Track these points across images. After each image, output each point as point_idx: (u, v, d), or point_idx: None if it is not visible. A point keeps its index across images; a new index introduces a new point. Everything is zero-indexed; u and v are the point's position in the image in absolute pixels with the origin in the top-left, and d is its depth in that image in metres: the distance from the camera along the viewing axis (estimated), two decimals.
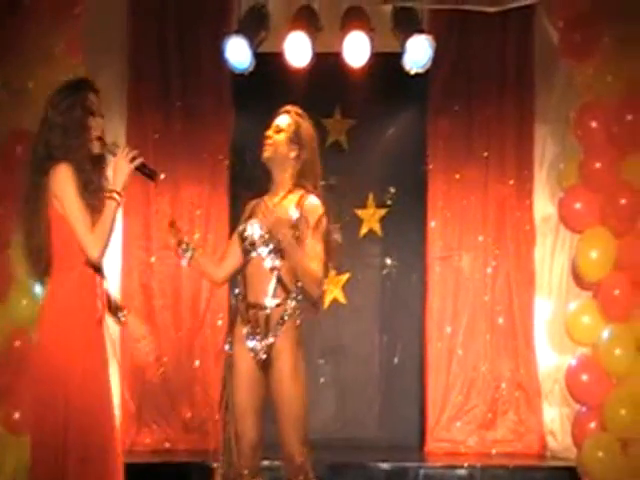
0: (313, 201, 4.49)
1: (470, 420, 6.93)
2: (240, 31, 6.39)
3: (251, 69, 6.47)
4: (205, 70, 6.87)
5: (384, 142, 7.21)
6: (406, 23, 6.40)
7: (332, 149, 7.15)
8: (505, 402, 6.93)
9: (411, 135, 7.15)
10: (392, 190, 7.23)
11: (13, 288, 5.62)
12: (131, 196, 6.83)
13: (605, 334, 5.80)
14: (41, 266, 4.06)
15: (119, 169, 4.04)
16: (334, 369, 7.11)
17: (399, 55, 6.41)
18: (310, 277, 4.41)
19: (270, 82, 6.57)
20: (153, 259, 6.89)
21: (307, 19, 6.46)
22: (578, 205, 6.03)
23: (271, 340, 4.42)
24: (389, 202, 7.24)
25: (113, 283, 6.73)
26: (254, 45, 6.43)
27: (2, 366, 5.59)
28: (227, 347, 4.53)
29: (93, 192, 4.01)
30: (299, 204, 4.48)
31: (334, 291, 7.12)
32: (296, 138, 4.54)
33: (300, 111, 4.64)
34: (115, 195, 4.01)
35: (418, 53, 6.32)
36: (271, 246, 4.44)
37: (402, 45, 6.35)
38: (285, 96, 6.40)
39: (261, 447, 4.48)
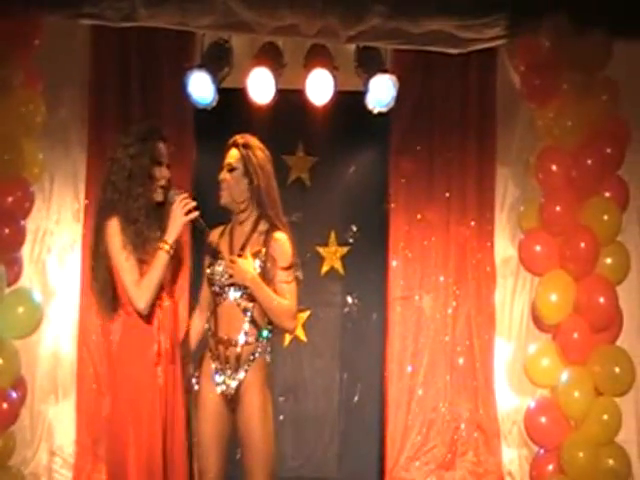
0: (280, 238, 4.48)
1: (429, 460, 6.90)
2: (203, 66, 6.39)
3: (214, 104, 6.47)
4: (167, 104, 6.83)
5: (346, 180, 7.21)
6: (370, 62, 6.42)
7: (295, 186, 7.14)
8: (464, 443, 6.91)
9: (373, 173, 7.16)
10: (354, 228, 7.22)
11: None
12: (90, 229, 6.69)
13: (564, 376, 5.82)
14: (108, 307, 4.23)
15: (173, 219, 4.15)
16: (294, 407, 7.06)
17: (362, 94, 6.44)
18: (282, 314, 4.43)
19: (233, 117, 6.54)
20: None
21: (271, 55, 6.47)
22: (538, 248, 6.06)
23: (241, 376, 4.41)
24: (351, 240, 7.24)
25: (70, 316, 6.75)
26: (217, 80, 6.43)
27: None
28: (194, 381, 4.51)
29: (142, 243, 4.11)
30: (266, 242, 4.46)
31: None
32: (248, 172, 4.50)
33: (248, 139, 4.60)
34: (165, 246, 4.10)
35: (381, 92, 6.35)
36: (241, 290, 4.43)
37: (365, 84, 6.38)
38: (248, 131, 6.45)
39: None
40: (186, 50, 6.76)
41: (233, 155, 4.56)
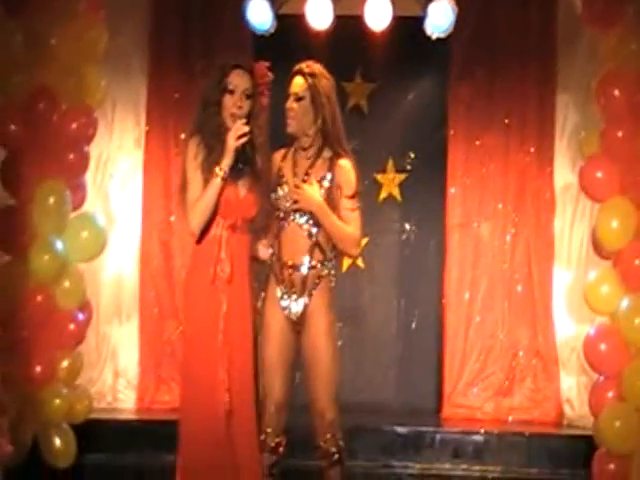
0: (345, 166, 4.47)
1: (487, 387, 6.96)
2: None
3: (272, 31, 6.49)
4: (226, 31, 6.86)
5: (405, 107, 7.19)
6: None
7: (352, 113, 7.14)
8: (522, 370, 6.95)
9: (432, 101, 7.13)
10: (412, 155, 7.22)
11: (34, 244, 5.68)
12: (152, 155, 6.91)
13: (624, 304, 5.76)
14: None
15: (227, 145, 4.18)
16: (352, 333, 7.11)
17: (421, 19, 6.41)
18: (347, 241, 4.44)
19: (291, 44, 6.54)
20: (172, 218, 6.92)
21: None
22: (599, 174, 5.96)
23: (306, 300, 4.44)
24: (409, 167, 7.24)
25: (133, 241, 6.88)
26: (275, 7, 6.45)
27: (24, 321, 5.65)
28: (259, 305, 4.53)
29: (211, 165, 4.18)
30: (330, 169, 4.46)
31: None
32: (315, 101, 4.47)
33: (313, 68, 4.55)
34: (219, 171, 4.16)
35: (440, 18, 6.32)
36: (307, 215, 4.45)
37: (424, 9, 6.36)
38: (306, 58, 6.44)
39: (286, 408, 4.49)
40: None
41: (299, 84, 4.51)
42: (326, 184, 4.45)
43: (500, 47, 6.94)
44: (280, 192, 4.50)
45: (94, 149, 6.27)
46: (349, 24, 6.53)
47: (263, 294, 4.55)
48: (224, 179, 4.17)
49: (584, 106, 6.67)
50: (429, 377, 7.17)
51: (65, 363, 5.82)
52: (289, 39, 6.52)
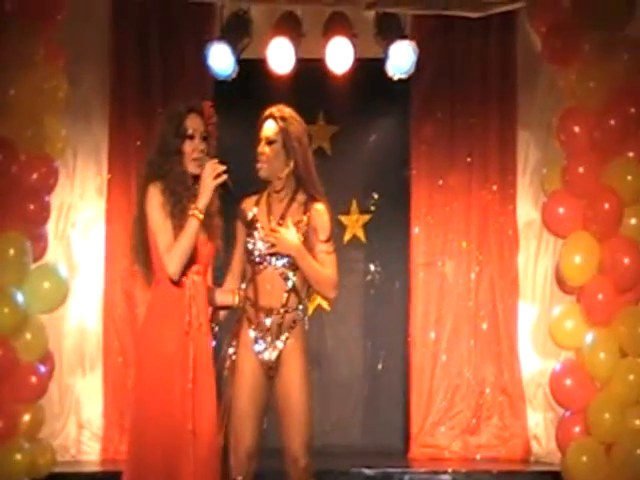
0: (320, 209, 4.45)
1: (454, 425, 6.94)
2: (223, 37, 6.41)
3: (234, 75, 6.48)
4: (188, 76, 6.84)
5: (367, 148, 7.22)
6: (389, 29, 6.42)
7: (316, 155, 6.94)
8: (489, 407, 6.95)
9: (394, 141, 7.16)
10: (375, 196, 7.24)
11: None
12: (114, 203, 6.85)
13: (589, 338, 5.81)
14: (149, 277, 4.23)
15: (203, 185, 4.13)
16: (318, 375, 7.03)
17: (382, 61, 6.43)
18: (325, 283, 4.43)
19: (253, 88, 6.56)
20: (136, 267, 6.84)
21: (290, 25, 6.47)
22: (561, 210, 6.04)
23: (282, 344, 4.41)
24: (372, 208, 7.25)
25: (95, 290, 6.80)
26: (237, 51, 6.44)
27: None
28: (231, 351, 4.48)
29: (181, 212, 4.12)
30: (306, 212, 4.44)
31: (318, 297, 7.11)
32: (287, 145, 4.45)
33: (284, 112, 4.52)
34: (196, 212, 4.11)
35: (401, 59, 6.35)
36: (284, 258, 4.41)
37: (385, 51, 6.38)
38: (268, 102, 6.42)
39: (257, 454, 4.42)
40: (205, 22, 6.78)
41: (270, 127, 4.49)
42: (302, 227, 4.43)
43: (460, 86, 7.00)
44: (256, 236, 4.47)
45: (55, 198, 6.22)
46: (311, 67, 6.55)
47: (234, 341, 4.49)
48: (201, 221, 4.13)
49: (545, 142, 6.74)
50: (396, 417, 7.15)
51: (27, 417, 5.75)
52: (251, 83, 6.53)
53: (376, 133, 7.22)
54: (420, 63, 6.42)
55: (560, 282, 6.18)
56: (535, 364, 6.89)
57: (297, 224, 4.44)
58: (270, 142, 4.47)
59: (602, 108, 5.79)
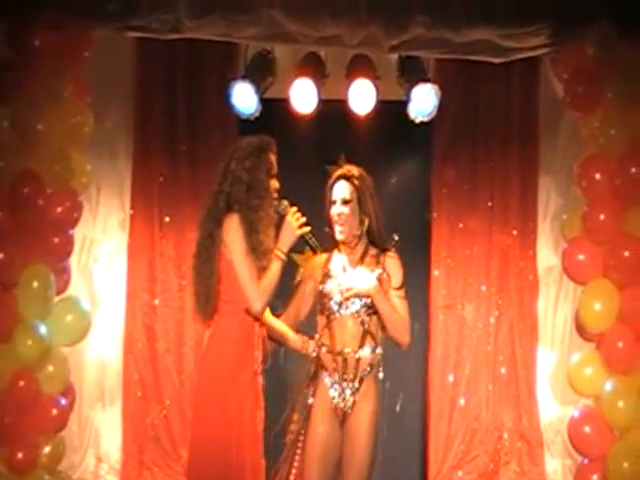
0: (394, 259, 4.63)
1: (472, 470, 6.89)
2: (246, 76, 6.46)
3: (257, 114, 6.53)
4: (211, 115, 6.89)
5: (388, 189, 7.18)
6: (412, 72, 6.46)
7: None
8: (507, 452, 6.89)
9: (415, 183, 7.15)
10: (396, 237, 7.22)
11: (18, 328, 5.68)
12: (136, 238, 6.91)
13: (608, 386, 5.80)
14: (208, 311, 4.29)
15: (288, 232, 4.28)
16: None
17: (404, 103, 6.46)
18: (400, 326, 4.55)
19: (276, 128, 6.52)
20: (157, 301, 6.90)
21: (313, 66, 6.53)
22: (581, 256, 6.05)
23: (356, 388, 4.49)
24: (393, 250, 7.25)
25: (116, 324, 6.84)
26: (260, 91, 6.49)
27: (6, 406, 5.61)
28: (310, 400, 4.55)
29: (263, 252, 4.21)
30: (378, 264, 4.57)
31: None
32: (363, 203, 4.59)
33: (354, 171, 4.68)
34: (281, 255, 4.24)
35: (423, 102, 6.37)
36: (361, 302, 4.51)
37: (407, 93, 6.41)
38: (291, 142, 6.54)
39: None
40: (230, 61, 6.82)
41: (345, 188, 4.61)
42: (377, 275, 4.54)
43: (482, 130, 7.01)
44: (329, 285, 4.56)
45: (78, 232, 6.29)
46: (333, 108, 6.59)
47: (311, 388, 4.56)
48: (284, 262, 4.25)
49: (566, 189, 6.74)
50: (413, 461, 7.10)
51: (47, 449, 5.80)
52: (274, 122, 6.58)
53: (397, 175, 7.21)
54: (442, 106, 6.45)
55: (580, 329, 6.17)
56: (554, 410, 6.84)
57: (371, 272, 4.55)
58: (346, 202, 4.57)
59: (623, 155, 5.83)
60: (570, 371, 6.11)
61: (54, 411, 5.84)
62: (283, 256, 4.25)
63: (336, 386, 4.49)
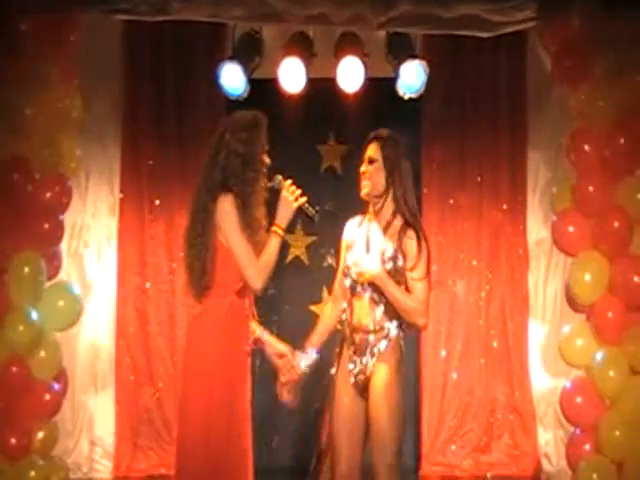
0: (411, 239, 4.48)
1: (465, 444, 6.95)
2: (234, 57, 6.44)
3: (246, 95, 6.52)
4: (200, 96, 6.89)
5: None
6: (400, 48, 6.45)
7: (327, 174, 7.18)
8: (500, 426, 6.95)
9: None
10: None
11: (10, 314, 5.64)
12: (126, 222, 6.89)
13: (599, 356, 5.82)
14: (200, 289, 4.22)
15: (285, 206, 4.24)
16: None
17: (393, 80, 6.47)
18: (410, 311, 4.42)
19: (265, 108, 6.53)
20: (148, 285, 6.90)
21: (301, 45, 6.50)
22: (571, 228, 6.05)
23: (372, 362, 4.46)
24: None
25: (108, 309, 6.83)
26: (248, 71, 6.48)
27: None
28: (333, 371, 4.56)
29: (256, 229, 4.18)
30: (399, 238, 4.48)
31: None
32: (389, 166, 4.53)
33: (386, 134, 4.63)
34: (279, 231, 4.21)
35: (412, 78, 6.37)
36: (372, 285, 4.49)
37: (396, 70, 6.40)
38: (280, 122, 6.49)
39: (357, 474, 4.49)
40: (218, 42, 6.82)
41: (373, 148, 4.59)
42: (394, 254, 4.47)
43: (471, 106, 7.03)
44: (349, 258, 4.54)
45: (68, 217, 6.26)
46: (322, 87, 6.58)
47: (336, 361, 4.57)
48: (282, 238, 4.24)
49: (555, 162, 6.78)
50: (407, 435, 7.06)
51: (40, 434, 5.77)
52: (262, 103, 6.51)
53: None
54: (430, 83, 6.45)
55: (570, 300, 6.18)
56: (545, 382, 6.90)
57: (385, 252, 4.48)
58: (372, 161, 4.56)
59: (612, 127, 5.82)
60: (561, 342, 6.12)
61: (47, 396, 5.82)
62: (282, 232, 4.22)
63: (355, 359, 4.49)
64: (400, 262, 4.45)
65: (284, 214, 4.24)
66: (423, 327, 4.57)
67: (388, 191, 4.53)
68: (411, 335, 4.68)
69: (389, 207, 4.56)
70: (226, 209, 4.13)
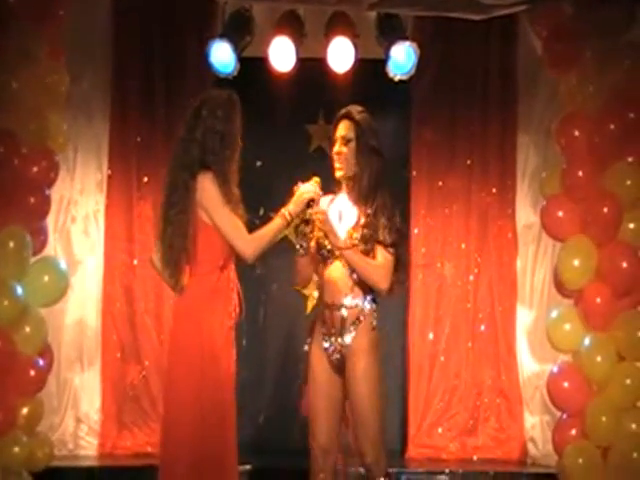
0: (381, 207, 4.53)
1: (451, 427, 6.96)
2: (224, 35, 6.40)
3: (235, 73, 6.47)
4: (189, 74, 6.86)
5: None
6: (391, 30, 6.41)
7: (316, 154, 7.16)
8: (486, 409, 6.97)
9: (394, 142, 7.10)
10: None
11: None
12: (114, 198, 6.88)
13: (586, 342, 5.82)
14: (178, 267, 4.22)
15: (300, 198, 4.30)
16: None
17: (383, 62, 6.42)
18: (372, 273, 4.42)
19: (254, 87, 6.56)
20: (135, 262, 6.88)
21: (292, 24, 6.47)
22: (560, 213, 6.04)
23: (346, 340, 4.45)
24: None
25: (94, 285, 6.82)
26: (238, 49, 6.44)
27: None
28: (305, 347, 4.59)
29: (235, 204, 4.18)
30: (372, 211, 4.51)
31: (314, 292, 7.12)
32: (363, 146, 4.54)
33: (358, 112, 4.62)
34: (288, 216, 4.25)
35: (402, 60, 6.34)
36: None
37: (386, 52, 6.37)
38: (269, 101, 6.48)
39: (334, 451, 4.51)
40: (207, 20, 6.79)
41: (347, 126, 4.58)
42: (362, 222, 4.49)
43: (461, 89, 7.01)
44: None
45: (55, 193, 6.23)
46: (312, 67, 6.56)
47: (309, 338, 4.59)
48: (287, 224, 4.27)
49: (545, 147, 6.76)
50: (394, 418, 7.12)
51: (25, 410, 5.74)
52: (252, 82, 6.53)
53: None
54: (421, 65, 6.41)
55: (558, 285, 6.18)
56: (532, 367, 6.91)
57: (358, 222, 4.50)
58: (347, 141, 4.56)
59: (602, 113, 5.80)
60: (549, 327, 6.12)
61: (32, 372, 5.77)
62: (289, 217, 4.26)
63: (327, 338, 4.49)
64: (371, 231, 4.45)
65: (297, 204, 4.31)
66: (386, 291, 4.54)
67: (363, 172, 4.51)
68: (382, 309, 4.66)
69: (363, 185, 4.55)
70: (207, 186, 4.13)
